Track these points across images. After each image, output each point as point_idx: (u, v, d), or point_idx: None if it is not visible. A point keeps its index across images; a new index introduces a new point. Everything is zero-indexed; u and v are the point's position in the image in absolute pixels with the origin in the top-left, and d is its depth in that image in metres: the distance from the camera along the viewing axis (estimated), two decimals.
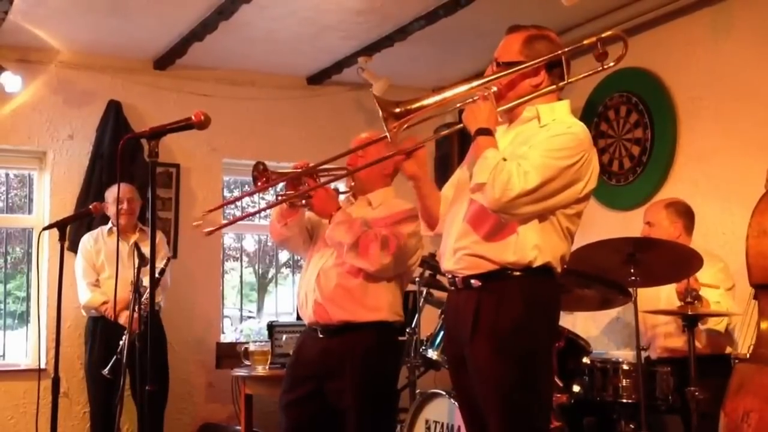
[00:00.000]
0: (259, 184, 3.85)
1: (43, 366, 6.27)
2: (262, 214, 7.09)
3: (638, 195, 6.07)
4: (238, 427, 6.42)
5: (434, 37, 6.40)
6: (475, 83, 3.22)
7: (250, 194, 4.05)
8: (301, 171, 3.97)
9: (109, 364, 5.15)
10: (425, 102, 3.17)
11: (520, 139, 3.14)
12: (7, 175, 7.31)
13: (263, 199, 7.49)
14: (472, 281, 3.13)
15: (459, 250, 3.16)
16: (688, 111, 5.84)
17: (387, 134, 3.14)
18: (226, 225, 5.75)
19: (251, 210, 8.23)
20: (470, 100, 3.18)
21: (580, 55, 3.25)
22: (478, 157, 3.03)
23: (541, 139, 3.03)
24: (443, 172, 7.14)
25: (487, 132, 3.08)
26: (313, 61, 7.22)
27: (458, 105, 3.23)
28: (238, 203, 8.55)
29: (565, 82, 3.21)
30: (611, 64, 3.18)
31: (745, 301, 4.64)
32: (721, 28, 5.58)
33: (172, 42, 6.61)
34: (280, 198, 4.08)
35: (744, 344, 4.70)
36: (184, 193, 7.19)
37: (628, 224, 5.86)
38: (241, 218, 6.91)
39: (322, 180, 4.04)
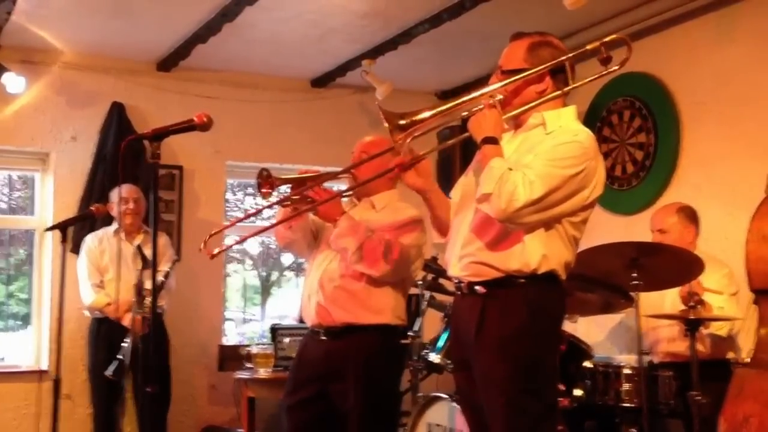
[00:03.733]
0: (263, 190, 3.84)
1: (44, 368, 6.27)
2: (265, 215, 7.12)
3: (641, 199, 6.07)
4: (240, 430, 6.42)
5: (438, 41, 6.40)
6: (479, 92, 3.22)
7: (256, 213, 4.05)
8: (306, 177, 3.98)
9: (113, 366, 5.15)
10: (430, 113, 3.17)
11: (526, 146, 3.14)
12: (9, 176, 7.32)
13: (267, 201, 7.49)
14: (477, 287, 3.13)
15: (465, 257, 3.16)
16: (691, 115, 5.83)
17: (393, 146, 3.15)
18: (232, 246, 5.73)
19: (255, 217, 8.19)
20: (476, 108, 3.18)
21: (585, 58, 3.25)
22: (483, 166, 3.03)
23: (547, 148, 3.03)
24: (445, 175, 7.14)
25: (493, 141, 3.08)
26: (317, 63, 7.22)
27: (464, 114, 3.23)
28: (240, 206, 8.55)
29: (570, 87, 3.21)
30: (615, 67, 3.18)
31: (748, 306, 4.64)
32: (725, 33, 5.58)
33: (175, 44, 6.61)
34: (283, 201, 4.06)
35: (746, 349, 4.71)
36: (188, 196, 7.19)
37: (631, 229, 5.86)
38: (242, 219, 6.93)
39: (327, 182, 4.04)
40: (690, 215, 5.07)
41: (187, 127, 3.05)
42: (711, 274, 4.62)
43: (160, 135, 3.01)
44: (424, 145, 3.45)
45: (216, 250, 3.59)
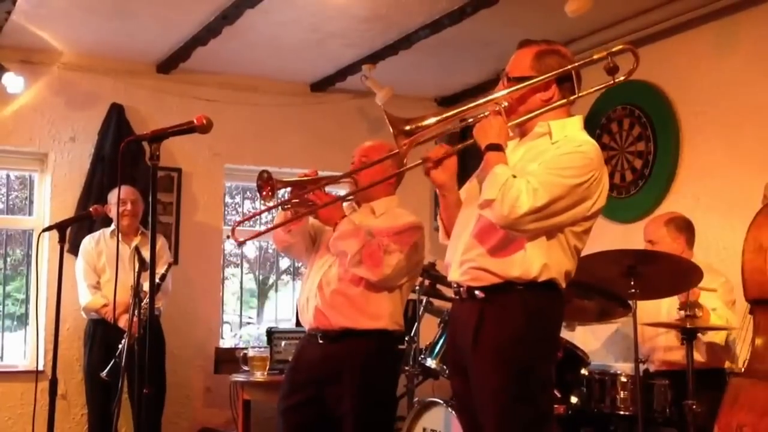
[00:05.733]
0: (263, 193, 3.84)
1: (41, 368, 6.26)
2: (263, 219, 7.11)
3: (640, 208, 6.07)
4: None
5: (438, 47, 6.40)
6: (485, 99, 3.22)
7: (274, 207, 4.09)
8: (307, 180, 3.98)
9: (108, 367, 5.15)
10: (435, 119, 3.17)
11: (531, 154, 3.13)
12: (7, 176, 7.31)
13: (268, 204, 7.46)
14: (476, 292, 3.12)
15: (465, 263, 3.15)
16: (690, 125, 5.84)
17: (398, 150, 3.15)
18: (261, 233, 5.77)
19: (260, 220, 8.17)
20: (481, 115, 3.17)
21: (589, 65, 3.23)
22: (487, 172, 3.03)
23: (551, 157, 3.02)
24: None
25: (498, 147, 3.07)
26: (317, 68, 7.22)
27: (469, 120, 3.22)
28: (239, 210, 8.55)
29: (576, 96, 3.20)
30: (621, 78, 3.17)
31: (744, 316, 4.64)
32: (725, 43, 5.59)
33: (175, 46, 6.60)
34: (284, 205, 4.07)
35: (742, 359, 4.71)
36: (186, 198, 7.19)
37: (629, 237, 5.85)
38: (267, 210, 6.90)
39: (327, 187, 4.04)
40: (679, 226, 5.05)
41: (186, 129, 3.03)
42: (708, 282, 4.62)
43: (159, 136, 2.99)
44: (422, 152, 3.44)
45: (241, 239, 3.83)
